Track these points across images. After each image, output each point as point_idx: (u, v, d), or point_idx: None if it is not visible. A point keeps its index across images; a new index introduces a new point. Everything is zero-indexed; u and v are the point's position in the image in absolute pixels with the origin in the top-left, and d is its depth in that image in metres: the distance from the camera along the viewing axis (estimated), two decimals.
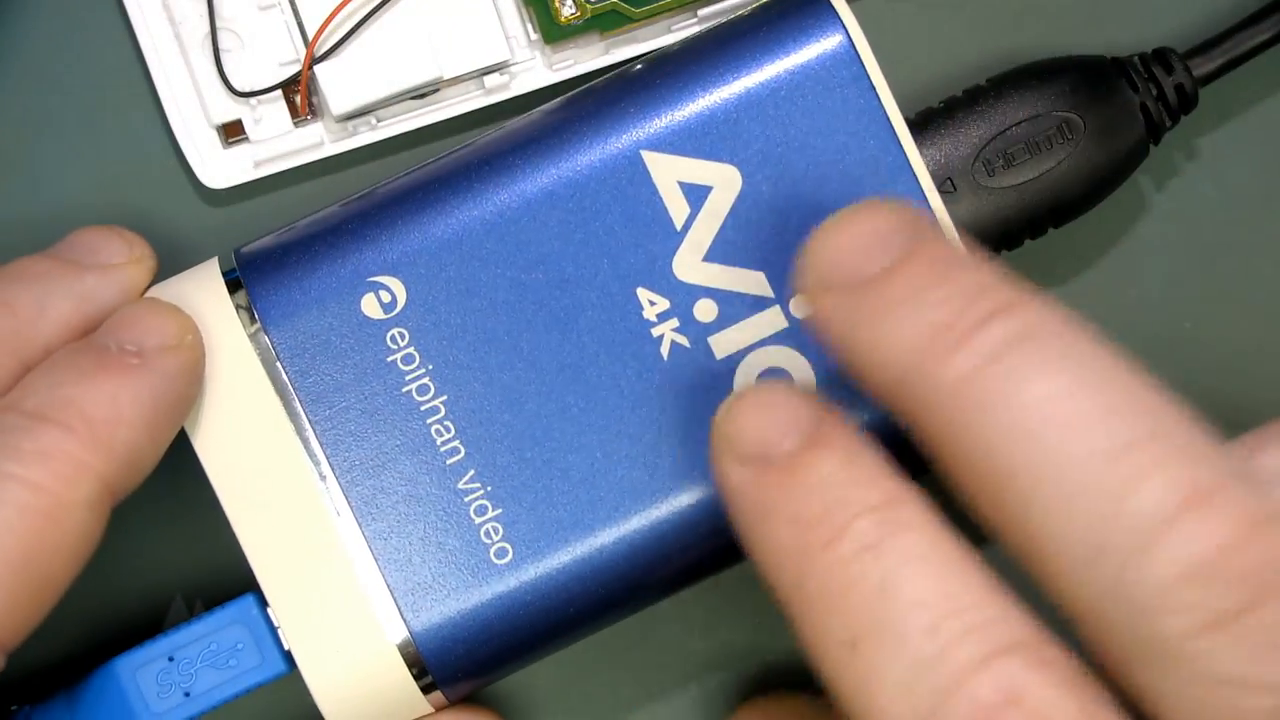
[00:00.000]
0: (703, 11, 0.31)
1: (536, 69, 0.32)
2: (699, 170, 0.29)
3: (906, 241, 0.23)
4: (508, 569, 0.28)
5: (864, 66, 0.29)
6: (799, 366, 0.29)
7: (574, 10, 0.31)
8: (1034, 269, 0.32)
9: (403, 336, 0.29)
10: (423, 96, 0.31)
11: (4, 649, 0.26)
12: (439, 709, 0.29)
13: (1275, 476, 0.23)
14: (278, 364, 0.29)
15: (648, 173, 0.29)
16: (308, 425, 0.29)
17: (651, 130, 0.29)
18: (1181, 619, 0.20)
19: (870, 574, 0.22)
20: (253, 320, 0.29)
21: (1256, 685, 0.20)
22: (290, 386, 0.29)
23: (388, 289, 0.29)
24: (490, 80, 0.31)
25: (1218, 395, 0.32)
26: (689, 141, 0.29)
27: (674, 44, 0.30)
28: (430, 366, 0.29)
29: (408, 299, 0.29)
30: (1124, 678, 0.21)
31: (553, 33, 0.31)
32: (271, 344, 0.29)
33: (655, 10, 0.31)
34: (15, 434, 0.26)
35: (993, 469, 0.22)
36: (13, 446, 0.26)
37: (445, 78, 0.31)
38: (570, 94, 0.30)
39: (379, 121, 0.31)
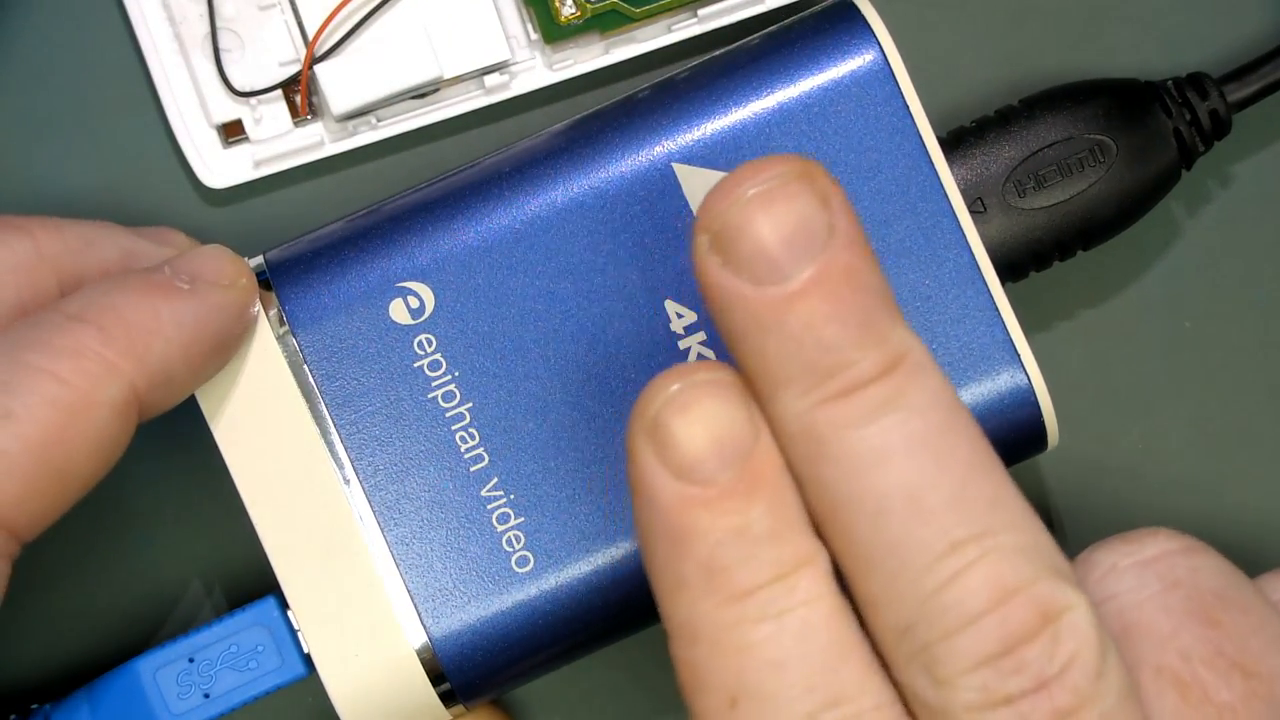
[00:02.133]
0: (703, 11, 0.31)
1: (536, 69, 0.32)
2: None
3: (825, 236, 0.23)
4: (529, 577, 0.28)
5: (897, 83, 0.29)
6: None
7: (574, 10, 0.31)
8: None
9: (430, 342, 0.29)
10: (423, 96, 0.31)
11: (20, 538, 0.26)
12: (455, 716, 0.29)
13: None
14: (305, 367, 0.29)
15: (679, 185, 0.29)
16: (333, 429, 0.29)
17: (683, 142, 0.29)
18: (969, 696, 0.23)
19: (767, 644, 0.23)
20: (281, 323, 0.29)
21: None
22: (316, 389, 0.29)
23: (416, 295, 0.29)
24: (490, 80, 0.31)
25: None
26: (720, 154, 0.29)
27: (707, 57, 0.30)
28: (457, 373, 0.29)
29: (436, 305, 0.29)
30: None
31: (553, 32, 0.31)
32: (299, 347, 0.29)
33: (655, 10, 0.31)
34: (51, 330, 0.26)
35: (838, 524, 0.23)
36: (45, 342, 0.26)
37: (445, 77, 0.31)
38: (603, 105, 0.30)
39: (379, 121, 0.31)
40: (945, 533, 0.23)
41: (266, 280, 0.29)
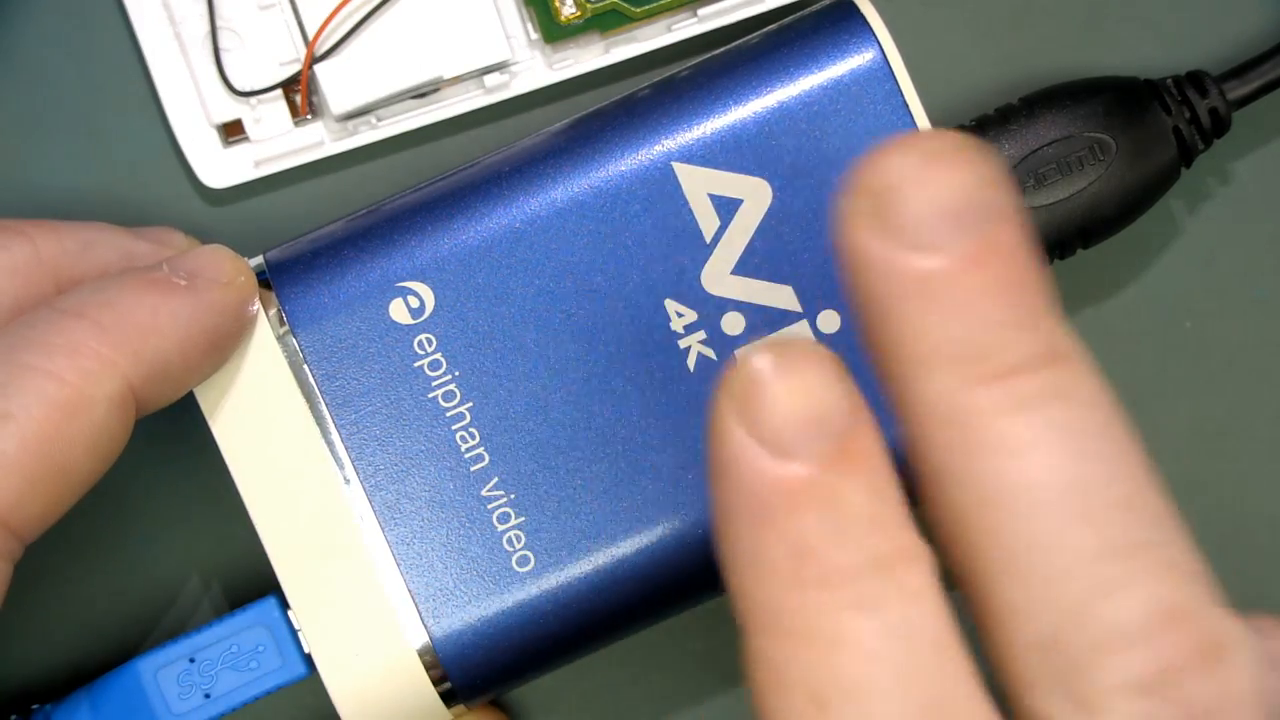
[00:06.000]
0: (703, 11, 0.31)
1: (537, 68, 0.32)
2: (730, 183, 0.29)
3: (990, 211, 0.21)
4: (529, 577, 0.28)
5: (897, 82, 0.29)
6: None
7: (574, 10, 0.31)
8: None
9: (430, 342, 0.29)
10: (423, 96, 0.31)
11: (22, 538, 0.26)
12: (456, 716, 0.29)
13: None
14: (305, 366, 0.29)
15: (678, 184, 0.29)
16: (333, 428, 0.29)
17: (683, 142, 0.29)
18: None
19: (862, 637, 0.21)
20: (281, 322, 0.29)
21: None
22: (317, 389, 0.29)
23: (416, 294, 0.29)
24: (490, 80, 0.31)
25: None
26: (720, 154, 0.29)
27: (707, 56, 0.30)
28: (457, 373, 0.29)
29: (436, 305, 0.29)
30: None
31: (553, 32, 0.31)
32: (299, 346, 0.29)
33: (655, 10, 0.31)
34: (46, 327, 0.26)
35: (978, 517, 0.21)
36: (41, 340, 0.26)
37: (445, 77, 0.31)
38: (603, 104, 0.30)
39: (379, 121, 0.31)
40: (1106, 535, 0.20)
41: (266, 280, 0.29)
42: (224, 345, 0.28)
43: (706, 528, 0.29)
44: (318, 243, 0.29)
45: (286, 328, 0.29)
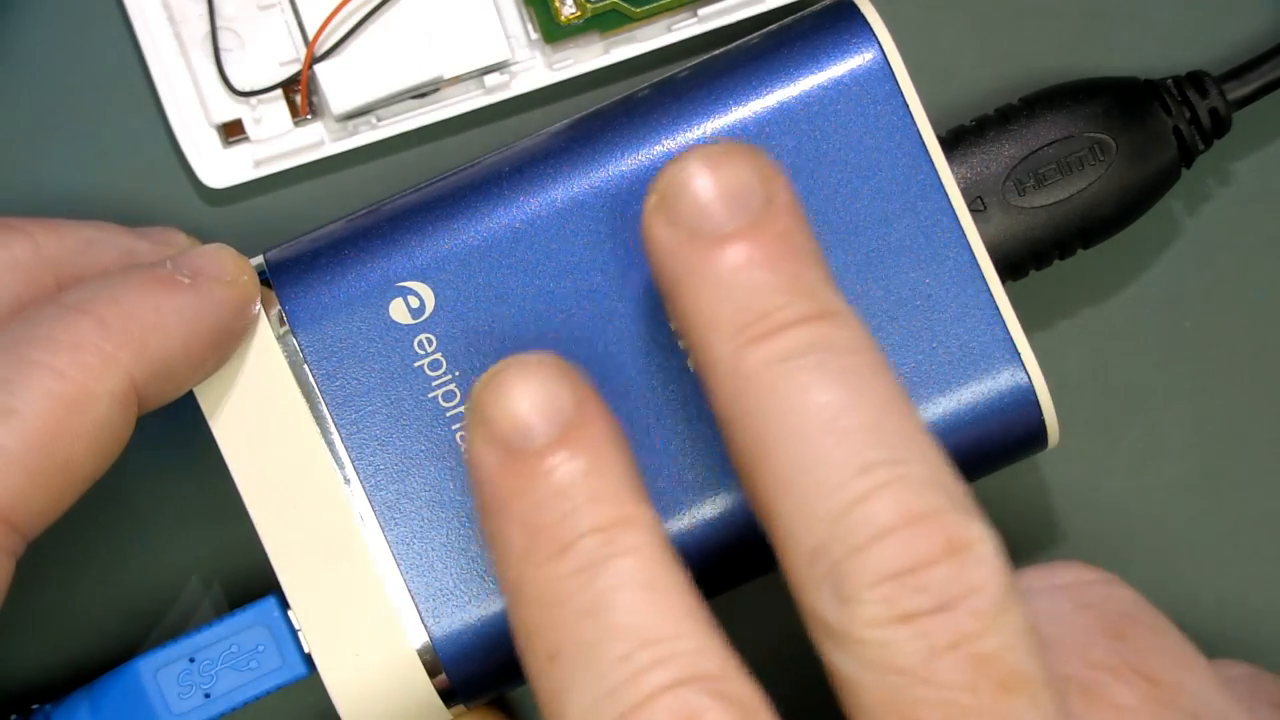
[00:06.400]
0: (703, 11, 0.31)
1: (537, 68, 0.32)
2: None
3: (761, 202, 0.24)
4: None
5: (897, 82, 0.29)
6: None
7: (574, 10, 0.31)
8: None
9: (430, 342, 0.29)
10: (423, 96, 0.31)
11: (24, 534, 0.26)
12: (456, 715, 0.29)
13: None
14: (305, 366, 0.29)
15: None
16: (333, 428, 0.29)
17: (683, 141, 0.29)
18: (872, 610, 0.23)
19: (583, 594, 0.23)
20: (281, 322, 0.29)
21: (925, 679, 0.23)
22: (317, 389, 0.29)
23: (416, 294, 0.29)
24: (490, 80, 0.31)
25: None
26: None
27: (707, 56, 0.30)
28: (457, 372, 0.29)
29: (436, 305, 0.29)
30: (823, 658, 0.24)
31: (553, 32, 0.31)
32: (299, 346, 0.29)
33: (655, 10, 0.31)
34: (50, 322, 0.26)
35: (758, 452, 0.24)
36: (44, 336, 0.26)
37: (445, 77, 0.31)
38: (603, 104, 0.30)
39: (379, 121, 0.31)
40: (859, 453, 0.23)
41: (267, 280, 0.29)
42: (226, 343, 0.28)
43: (707, 527, 0.29)
44: (318, 242, 0.29)
45: (286, 327, 0.29)
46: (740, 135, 0.29)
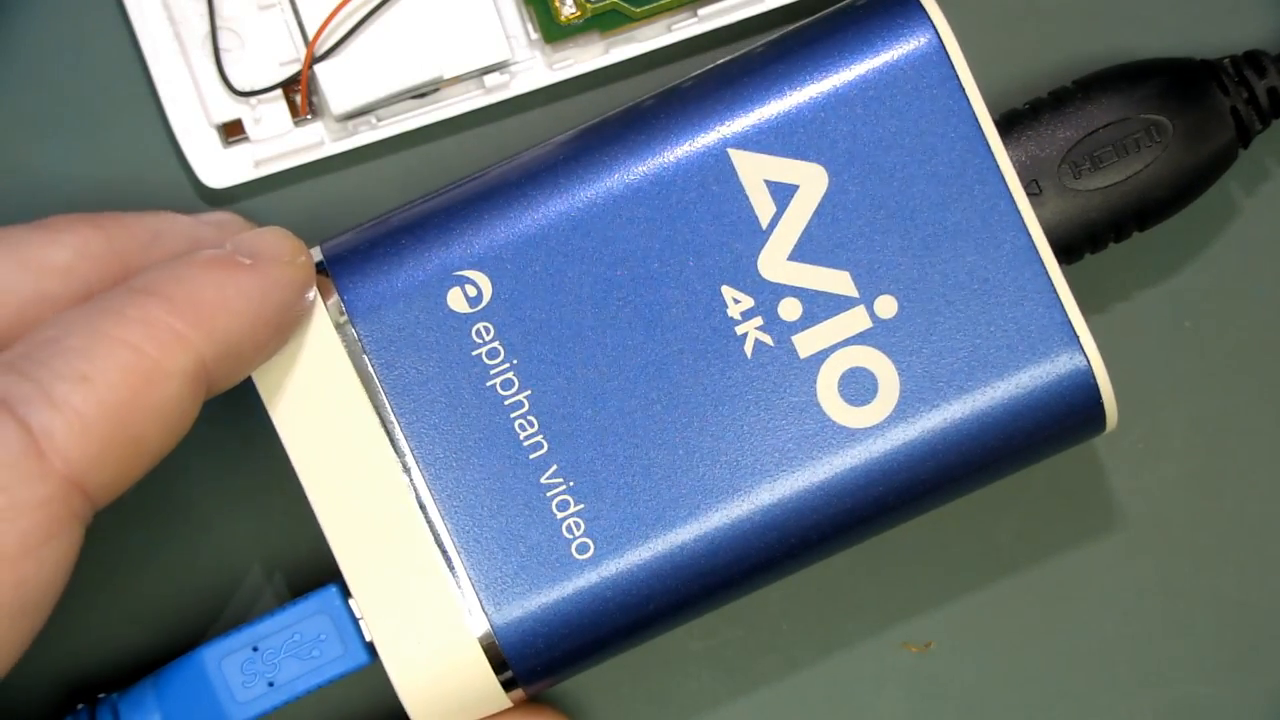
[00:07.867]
0: (703, 11, 0.31)
1: (537, 68, 0.32)
2: (785, 169, 0.29)
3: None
4: (589, 564, 0.29)
5: (953, 66, 0.29)
6: (883, 367, 0.29)
7: (574, 10, 0.31)
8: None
9: (488, 331, 0.29)
10: (423, 96, 0.31)
11: (94, 502, 0.26)
12: (517, 703, 0.29)
13: None
14: (364, 356, 0.29)
15: (734, 171, 0.29)
16: (393, 417, 0.29)
17: (739, 128, 0.29)
18: None
19: None
20: (340, 312, 0.29)
21: None
22: (376, 378, 0.29)
23: (474, 283, 0.29)
24: (490, 79, 0.31)
25: None
26: (776, 140, 0.29)
27: (762, 42, 0.30)
28: (515, 361, 0.29)
29: (493, 294, 0.29)
30: None
31: (553, 32, 0.31)
32: (358, 336, 0.29)
33: (655, 9, 0.31)
34: (122, 302, 0.27)
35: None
36: (117, 312, 0.27)
37: (445, 77, 0.31)
38: (658, 91, 0.30)
39: (379, 121, 0.31)
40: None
41: (325, 270, 0.29)
42: (287, 325, 0.28)
43: (764, 513, 0.29)
44: (375, 232, 0.29)
45: (345, 318, 0.29)
46: (795, 121, 0.29)
